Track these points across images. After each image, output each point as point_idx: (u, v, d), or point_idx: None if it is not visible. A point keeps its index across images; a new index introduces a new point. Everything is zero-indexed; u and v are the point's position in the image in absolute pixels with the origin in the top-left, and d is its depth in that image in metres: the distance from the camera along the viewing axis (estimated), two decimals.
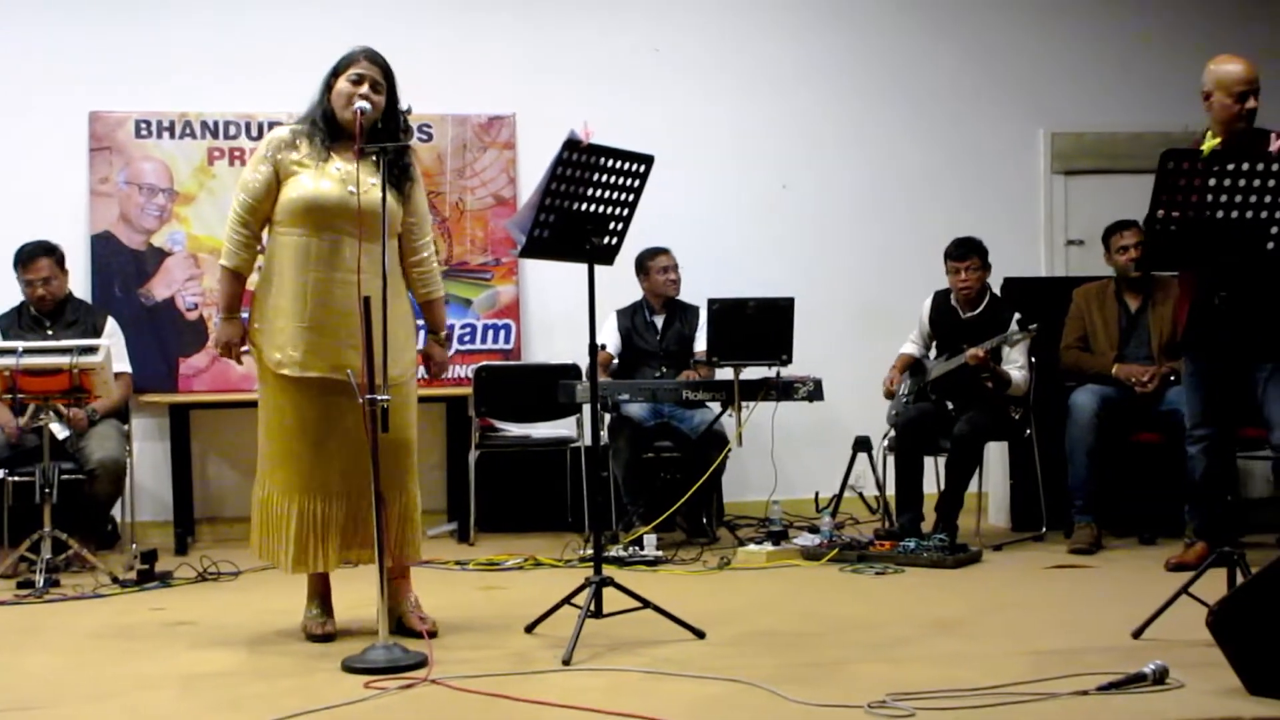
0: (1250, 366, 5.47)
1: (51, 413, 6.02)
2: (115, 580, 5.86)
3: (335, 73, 4.60)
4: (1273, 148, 4.83)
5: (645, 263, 7.29)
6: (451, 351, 4.65)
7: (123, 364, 6.81)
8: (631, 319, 7.35)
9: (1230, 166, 4.40)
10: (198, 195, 7.60)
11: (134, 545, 6.32)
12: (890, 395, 6.90)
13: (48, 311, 6.70)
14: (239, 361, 4.82)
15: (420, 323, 4.83)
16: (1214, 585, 4.32)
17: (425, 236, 4.79)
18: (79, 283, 7.16)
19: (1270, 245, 4.46)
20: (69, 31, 7.54)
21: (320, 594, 4.73)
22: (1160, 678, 3.76)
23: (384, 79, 4.58)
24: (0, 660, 4.51)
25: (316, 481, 4.56)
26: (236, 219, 4.62)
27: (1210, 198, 4.40)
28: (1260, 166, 4.39)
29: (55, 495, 5.89)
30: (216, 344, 4.76)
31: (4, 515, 6.50)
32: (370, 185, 4.45)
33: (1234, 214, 4.41)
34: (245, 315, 4.73)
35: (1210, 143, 5.09)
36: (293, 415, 4.57)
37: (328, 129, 4.58)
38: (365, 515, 4.44)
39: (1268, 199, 4.40)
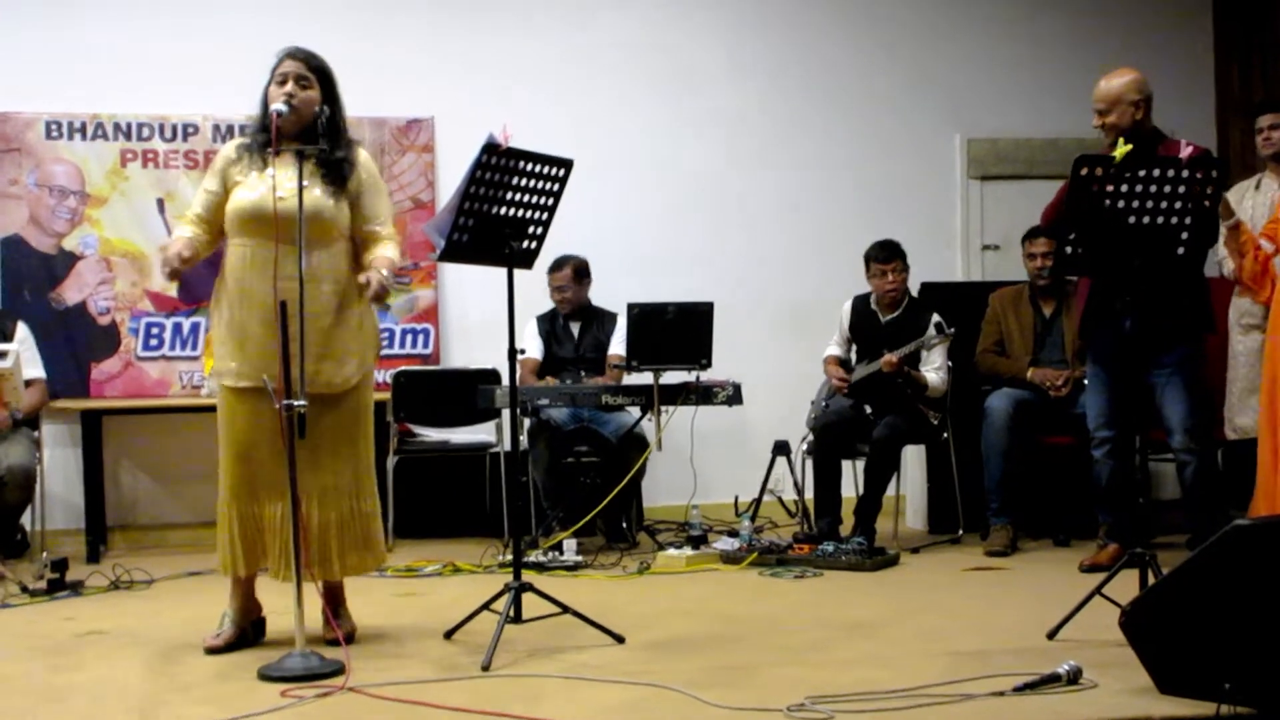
0: (1147, 369, 5.56)
1: None
2: (24, 590, 5.76)
3: (270, 77, 4.55)
4: (1183, 154, 4.91)
5: (547, 274, 7.26)
6: (389, 280, 4.49)
7: (36, 370, 6.74)
8: (551, 325, 7.34)
9: (1142, 173, 4.47)
10: (110, 197, 7.50)
11: (44, 554, 6.22)
12: (842, 387, 6.91)
13: None
14: (168, 273, 4.49)
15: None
16: (1126, 586, 4.38)
17: (385, 231, 4.66)
18: None
19: (1180, 250, 4.54)
20: None
21: (238, 605, 4.66)
22: (1074, 678, 3.81)
23: (310, 73, 4.53)
24: None
25: (252, 488, 4.52)
26: (186, 221, 4.59)
27: (1122, 203, 4.47)
28: (1171, 173, 4.46)
29: None
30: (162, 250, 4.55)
31: None
32: (302, 188, 4.34)
33: (1145, 219, 4.48)
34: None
35: (1122, 149, 5.17)
36: (235, 424, 4.54)
37: (266, 134, 4.52)
38: (302, 521, 4.41)
39: (1178, 205, 4.47)
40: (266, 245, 4.42)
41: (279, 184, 4.41)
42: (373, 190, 4.66)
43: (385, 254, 4.61)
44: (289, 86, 4.48)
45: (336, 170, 4.55)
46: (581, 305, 7.33)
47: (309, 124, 4.49)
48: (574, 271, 7.23)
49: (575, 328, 7.34)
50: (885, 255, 6.85)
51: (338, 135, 4.57)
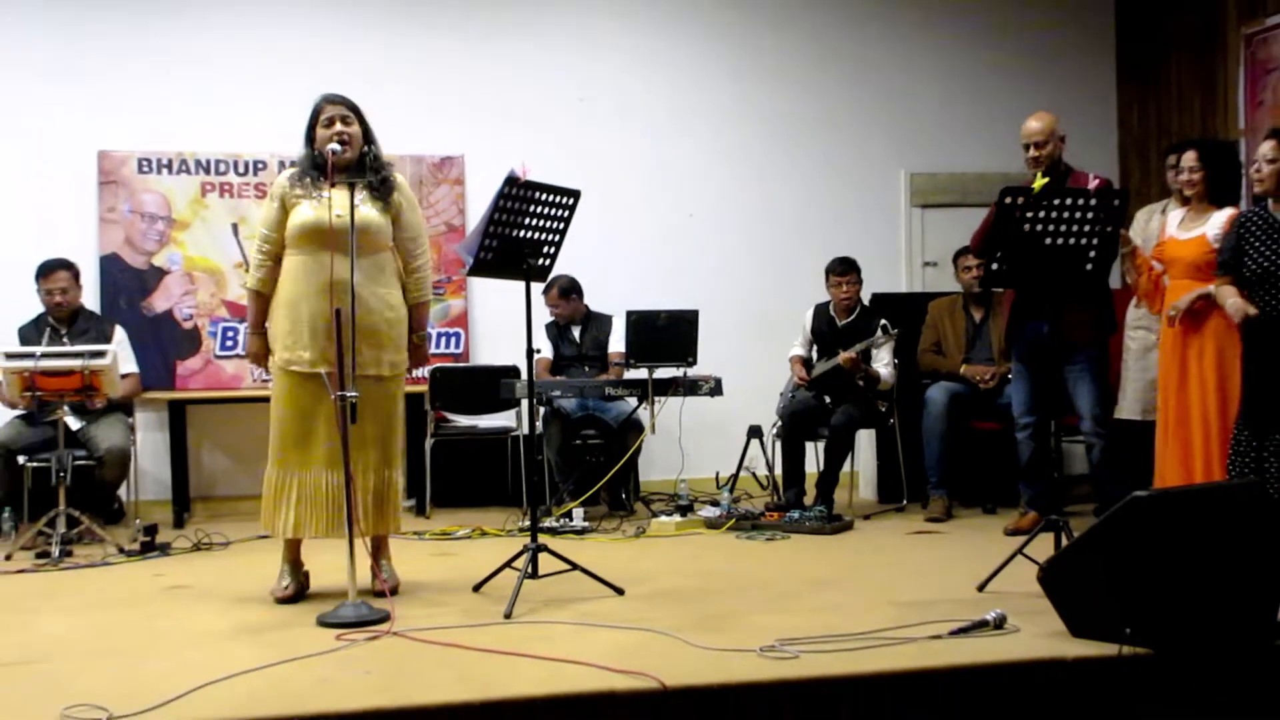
0: (1061, 365, 5.56)
1: (66, 407, 5.93)
2: (121, 550, 5.77)
3: (312, 124, 4.58)
4: (1091, 185, 4.91)
5: (542, 294, 7.19)
6: (430, 350, 4.67)
7: (131, 365, 6.74)
8: (557, 330, 7.33)
9: (1056, 201, 4.47)
10: (192, 222, 7.49)
11: (137, 520, 6.21)
12: (802, 382, 6.91)
13: (63, 320, 6.60)
14: (267, 369, 4.70)
15: None
16: (1043, 547, 4.40)
17: (420, 248, 4.72)
18: (90, 297, 7.06)
19: (1089, 266, 4.53)
20: (79, 82, 7.43)
21: (290, 561, 4.68)
22: (1000, 624, 3.82)
23: (351, 112, 4.57)
24: (20, 620, 4.42)
25: (308, 460, 4.51)
26: (258, 249, 4.62)
27: (1040, 227, 4.46)
28: (1080, 201, 4.46)
29: (69, 478, 5.80)
30: (247, 355, 4.73)
31: (25, 495, 6.38)
32: (355, 208, 4.36)
33: (1059, 240, 4.48)
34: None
35: (1040, 181, 5.17)
36: (295, 405, 4.53)
37: (318, 169, 4.55)
38: (354, 491, 4.41)
39: (1086, 228, 4.47)
40: (324, 255, 4.43)
41: (335, 204, 4.43)
42: (411, 208, 4.72)
43: (421, 299, 4.73)
44: (338, 127, 4.50)
45: (381, 190, 4.58)
46: (577, 315, 7.30)
47: (356, 157, 4.52)
48: (559, 291, 7.16)
49: (577, 331, 7.33)
50: (842, 269, 6.86)
51: (379, 164, 4.63)
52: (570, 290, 7.20)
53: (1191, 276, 5.29)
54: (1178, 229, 5.42)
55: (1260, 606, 3.74)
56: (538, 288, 4.77)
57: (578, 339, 7.30)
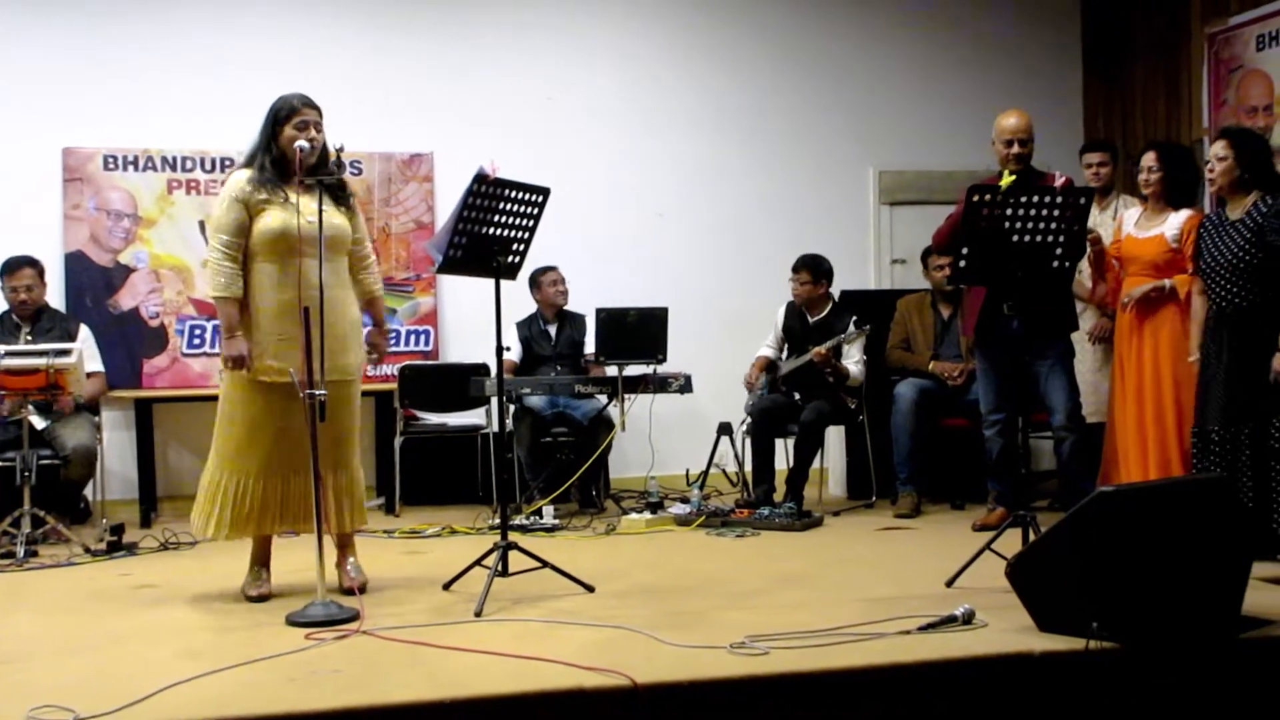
0: (1031, 361, 5.59)
1: (30, 406, 5.88)
2: (87, 550, 5.72)
3: (278, 120, 4.52)
4: (1057, 184, 4.95)
5: (538, 279, 7.25)
6: (391, 342, 4.67)
7: (96, 364, 6.69)
8: (529, 328, 7.32)
9: (1024, 199, 4.49)
10: (159, 220, 7.43)
11: (104, 520, 6.16)
12: (750, 387, 6.95)
13: (27, 318, 6.54)
14: (249, 370, 4.51)
15: (390, 332, 4.70)
16: (1011, 543, 4.42)
17: (369, 245, 4.81)
18: (55, 295, 7.01)
19: (1055, 264, 4.56)
20: (44, 79, 7.35)
21: (261, 560, 4.67)
22: (968, 619, 3.83)
23: (320, 118, 4.56)
24: None
25: (283, 463, 4.51)
26: (223, 255, 4.46)
27: (1006, 225, 4.49)
28: (1048, 199, 4.49)
29: (34, 478, 5.76)
30: (225, 361, 4.50)
31: None
32: (323, 211, 4.36)
33: (1026, 238, 4.50)
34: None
35: (1007, 179, 5.20)
36: (266, 411, 4.49)
37: (277, 169, 4.51)
38: (326, 488, 4.42)
39: (1053, 226, 4.50)
40: (291, 262, 4.42)
41: (303, 210, 4.40)
42: (359, 210, 4.76)
43: (379, 294, 4.79)
44: (312, 134, 4.47)
45: (341, 195, 4.59)
46: (559, 304, 7.32)
47: (314, 160, 4.49)
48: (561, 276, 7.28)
49: (552, 330, 7.32)
50: (795, 265, 6.89)
51: (342, 168, 4.63)
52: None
53: (1149, 274, 5.39)
54: (1134, 228, 5.49)
55: (1225, 600, 3.78)
56: (507, 285, 4.74)
57: (553, 338, 7.29)
